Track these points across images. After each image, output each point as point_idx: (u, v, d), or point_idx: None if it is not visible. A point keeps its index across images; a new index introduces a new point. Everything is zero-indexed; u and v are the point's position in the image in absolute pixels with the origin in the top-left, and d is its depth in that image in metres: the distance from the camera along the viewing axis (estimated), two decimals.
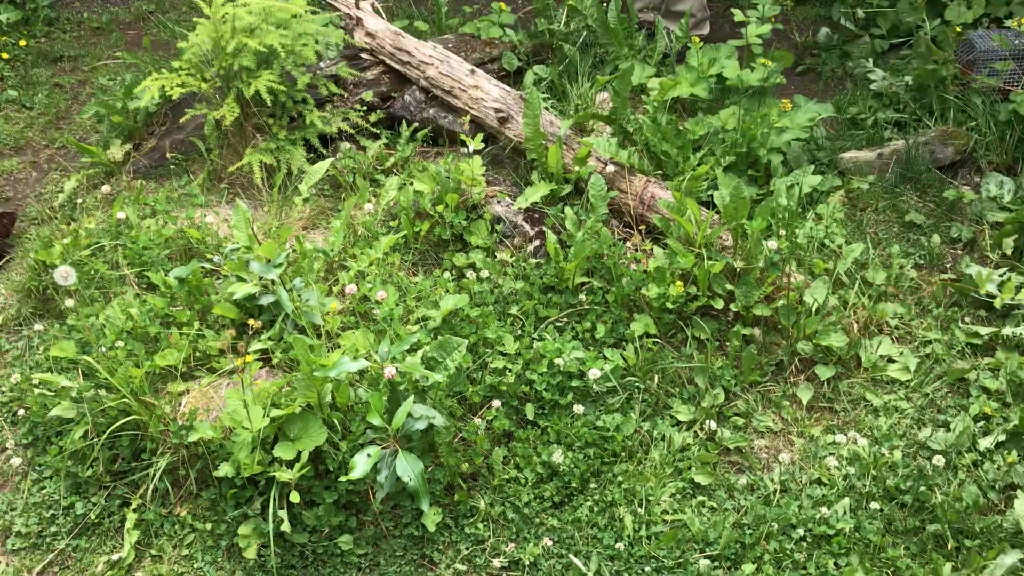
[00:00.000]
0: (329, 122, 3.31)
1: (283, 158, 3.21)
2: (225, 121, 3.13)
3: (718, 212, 2.83)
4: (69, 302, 2.65)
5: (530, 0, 4.52)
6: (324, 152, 3.33)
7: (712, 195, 2.98)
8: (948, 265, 3.04)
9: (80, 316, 2.62)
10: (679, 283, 2.62)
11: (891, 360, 2.66)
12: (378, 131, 3.44)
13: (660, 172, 3.20)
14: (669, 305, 2.64)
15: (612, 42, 3.76)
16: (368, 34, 3.56)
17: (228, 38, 3.09)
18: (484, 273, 2.76)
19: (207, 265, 2.73)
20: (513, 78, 3.87)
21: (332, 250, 2.80)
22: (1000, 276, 2.83)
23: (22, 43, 4.40)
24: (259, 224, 3.03)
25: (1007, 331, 2.64)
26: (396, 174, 3.25)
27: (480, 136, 3.12)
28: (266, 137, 3.27)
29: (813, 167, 3.31)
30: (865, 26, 4.29)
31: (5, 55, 4.29)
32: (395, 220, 3.02)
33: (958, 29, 3.75)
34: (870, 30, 4.26)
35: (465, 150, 3.12)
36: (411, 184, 3.02)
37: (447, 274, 2.81)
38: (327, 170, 3.17)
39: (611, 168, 3.05)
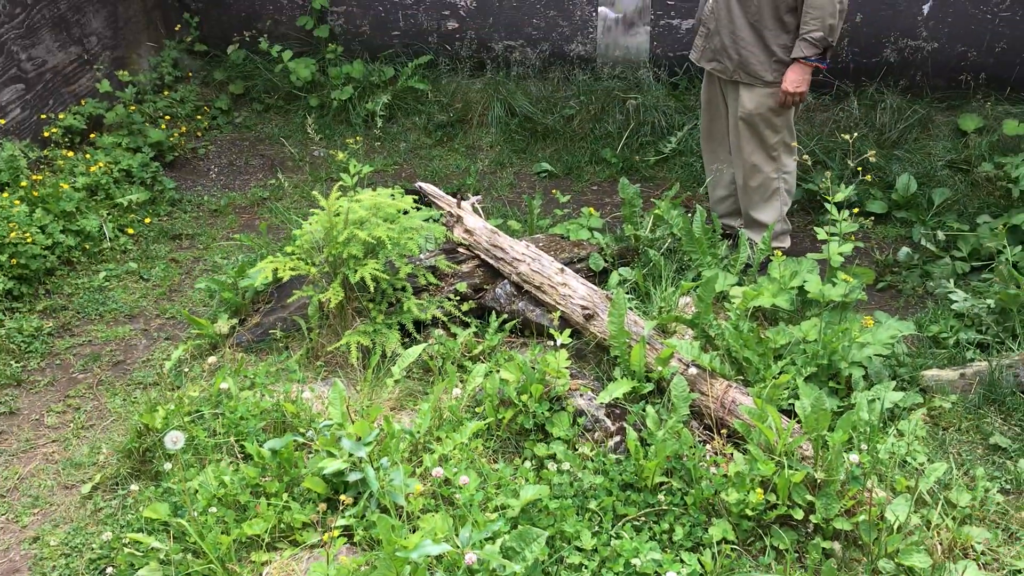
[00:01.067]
0: (424, 309, 3.50)
1: (379, 341, 3.39)
2: (330, 303, 3.34)
3: (799, 422, 2.86)
4: (167, 465, 2.78)
5: (618, 206, 4.78)
6: (418, 337, 3.50)
7: (792, 404, 3.02)
8: None
9: (177, 480, 2.74)
10: (759, 490, 2.64)
11: None
12: (469, 320, 3.61)
13: (741, 378, 3.26)
14: (748, 512, 2.64)
15: (696, 249, 3.93)
16: (466, 231, 3.80)
17: (340, 229, 3.35)
18: (565, 465, 2.81)
19: (300, 439, 2.85)
20: (598, 278, 4.05)
21: (418, 432, 2.90)
22: None
23: (147, 220, 4.80)
24: (351, 402, 3.16)
25: None
26: (483, 362, 3.39)
27: (568, 331, 3.25)
28: (365, 320, 3.46)
29: (894, 383, 3.34)
30: (946, 248, 4.41)
31: (131, 231, 4.67)
32: (480, 406, 3.12)
33: None
34: (951, 252, 4.36)
35: (552, 343, 3.25)
36: (497, 372, 3.14)
37: (527, 463, 2.87)
38: (419, 354, 3.32)
39: (693, 370, 3.13)
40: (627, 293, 3.88)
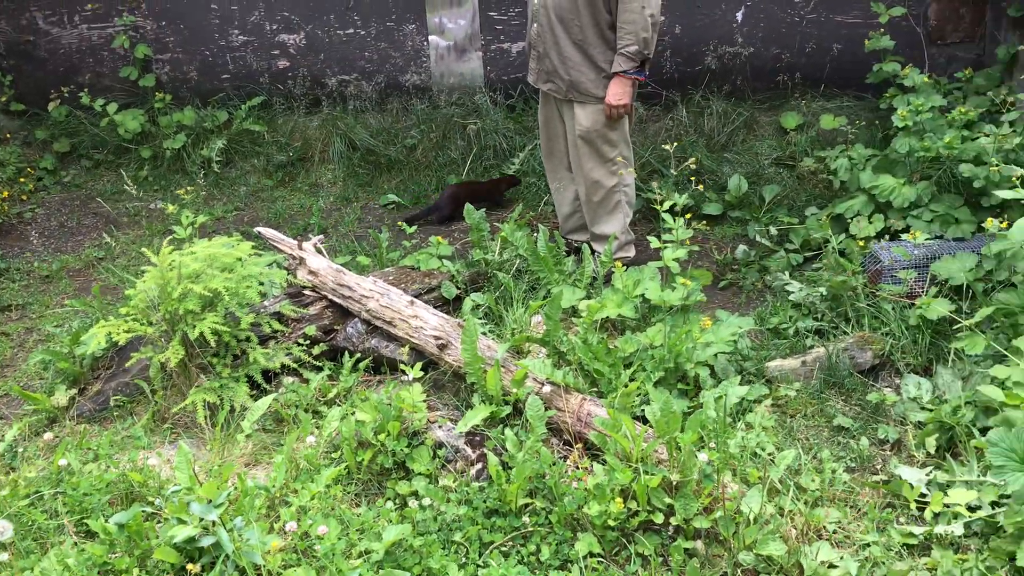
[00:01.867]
0: (272, 358, 3.41)
1: (226, 396, 3.28)
2: (170, 363, 3.21)
3: (652, 427, 2.93)
4: (4, 556, 2.59)
5: (467, 232, 4.80)
6: (268, 387, 3.41)
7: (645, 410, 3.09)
8: (879, 466, 3.14)
9: (14, 571, 2.56)
10: (619, 500, 2.67)
11: (832, 566, 2.69)
12: (321, 363, 3.54)
13: (595, 390, 3.32)
14: (611, 522, 2.67)
15: (543, 268, 3.98)
16: (310, 272, 3.73)
17: (174, 284, 3.23)
18: (427, 500, 2.78)
19: (149, 509, 2.72)
20: (452, 305, 4.05)
21: (274, 486, 2.81)
22: (927, 475, 2.93)
23: None
24: (202, 463, 3.04)
25: (939, 529, 2.71)
26: (339, 405, 3.32)
27: (420, 364, 3.23)
28: (210, 376, 3.34)
29: (740, 377, 3.47)
30: (779, 241, 4.61)
31: None
32: (337, 451, 3.05)
33: (861, 243, 4.06)
34: (784, 245, 4.57)
35: (406, 378, 3.22)
36: (353, 414, 3.09)
37: (390, 503, 2.82)
38: (269, 405, 3.23)
39: (547, 388, 3.16)
40: (481, 318, 3.89)
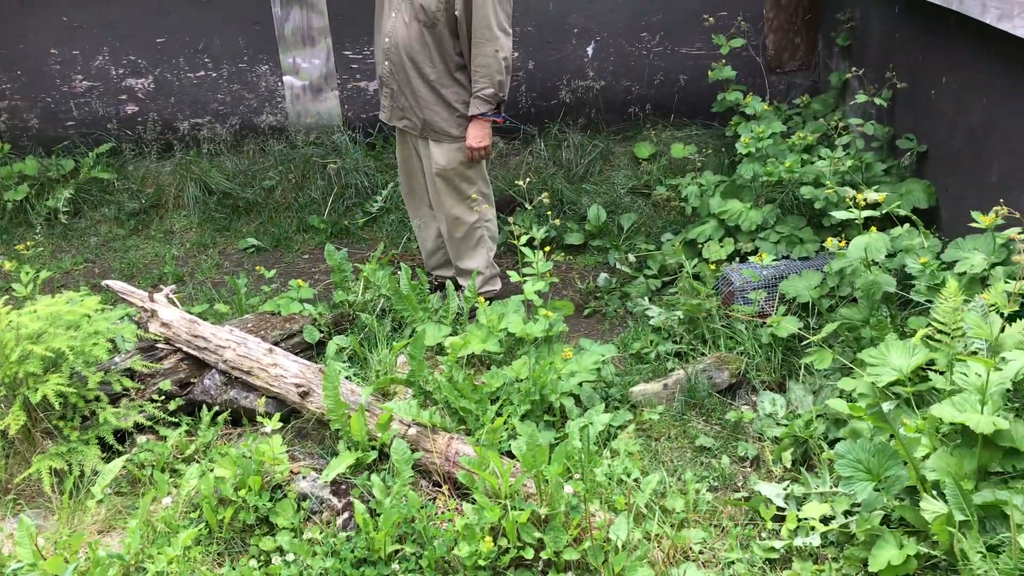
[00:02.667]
0: (124, 417, 3.25)
1: (75, 460, 3.11)
2: (11, 430, 3.03)
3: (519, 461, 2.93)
4: None
5: (328, 274, 4.72)
6: (121, 448, 3.25)
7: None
8: (740, 483, 3.23)
9: None
10: (488, 539, 2.66)
11: None
12: (178, 419, 3.40)
13: (463, 428, 3.30)
14: (481, 562, 2.65)
15: (407, 307, 3.96)
16: (163, 324, 3.60)
17: (12, 346, 3.05)
18: (291, 556, 2.70)
19: None
20: (316, 350, 3.97)
21: (128, 553, 2.68)
22: (784, 489, 3.04)
23: None
24: (49, 535, 2.87)
25: (798, 542, 2.81)
26: (198, 461, 3.20)
27: (278, 415, 3.14)
28: (57, 440, 3.16)
29: (606, 404, 3.52)
30: (639, 268, 4.73)
31: None
32: (197, 510, 2.93)
33: (712, 267, 4.20)
34: (643, 271, 4.69)
35: (267, 429, 3.13)
36: (212, 471, 2.97)
37: (253, 561, 2.72)
38: (122, 467, 3.08)
39: (413, 430, 3.13)
40: (345, 361, 3.83)
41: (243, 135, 5.98)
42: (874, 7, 4.98)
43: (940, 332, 3.06)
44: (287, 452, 3.12)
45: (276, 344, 3.74)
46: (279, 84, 5.90)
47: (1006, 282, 2.94)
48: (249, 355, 3.46)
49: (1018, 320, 2.95)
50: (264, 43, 5.81)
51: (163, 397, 3.42)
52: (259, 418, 3.21)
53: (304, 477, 3.03)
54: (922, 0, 4.10)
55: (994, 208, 3.09)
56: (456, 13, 3.84)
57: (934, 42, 4.30)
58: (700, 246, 4.51)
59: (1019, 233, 2.84)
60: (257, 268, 4.65)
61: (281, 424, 3.27)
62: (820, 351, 3.49)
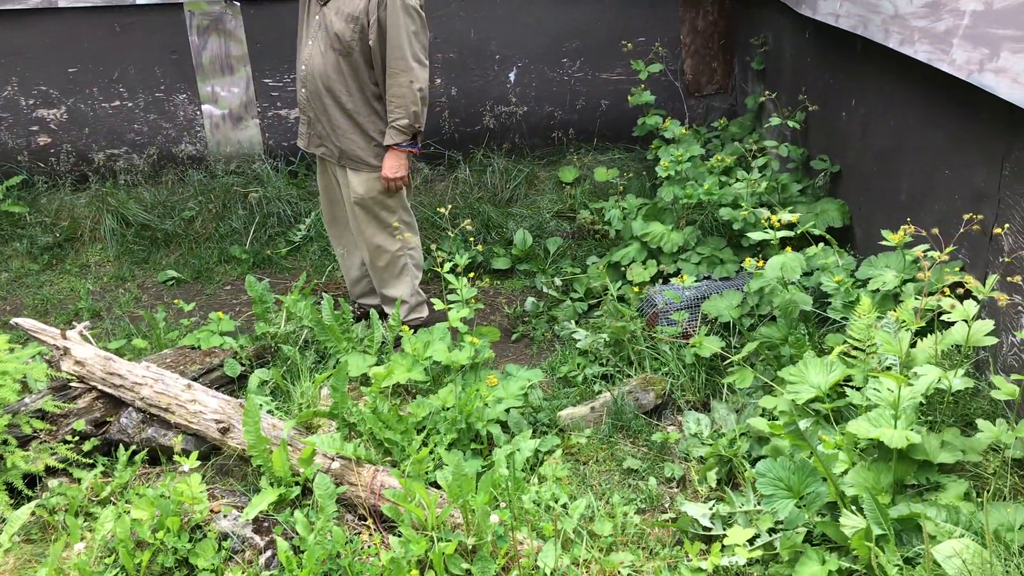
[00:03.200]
0: (34, 460, 3.13)
1: None
2: None
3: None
4: None
5: (251, 306, 4.64)
6: (31, 493, 3.12)
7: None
8: (667, 505, 3.25)
9: None
10: (415, 572, 2.62)
11: None
12: (93, 460, 3.29)
13: (389, 459, 3.26)
14: None
15: (330, 338, 3.90)
16: (76, 362, 3.48)
17: None
18: None
19: None
20: (238, 384, 3.89)
21: None
22: (710, 509, 3.06)
23: None
24: None
25: (725, 561, 2.83)
26: (115, 503, 3.09)
27: (196, 453, 3.06)
28: None
29: (533, 430, 3.51)
30: (565, 291, 4.75)
31: None
32: (112, 555, 2.83)
33: (635, 289, 4.24)
34: (570, 294, 4.71)
35: (186, 468, 3.04)
36: (128, 513, 2.87)
37: None
38: (32, 512, 2.96)
39: (337, 464, 3.08)
40: (267, 395, 3.75)
41: (161, 165, 5.86)
42: (786, 32, 5.12)
43: (856, 349, 3.13)
44: (207, 490, 3.04)
45: (196, 379, 3.65)
46: (198, 113, 5.80)
47: (916, 298, 3.03)
48: (167, 392, 3.37)
49: (930, 335, 3.04)
50: (181, 72, 5.72)
51: (77, 438, 3.30)
52: (177, 456, 3.12)
53: (225, 516, 2.95)
54: (830, 25, 4.22)
55: (902, 226, 3.18)
56: (370, 43, 3.83)
57: (843, 66, 4.43)
58: (624, 268, 4.55)
59: (925, 251, 2.92)
60: (175, 301, 4.55)
61: (201, 462, 3.19)
62: (742, 370, 3.53)
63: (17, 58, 5.58)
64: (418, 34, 3.85)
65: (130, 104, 5.75)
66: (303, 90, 4.06)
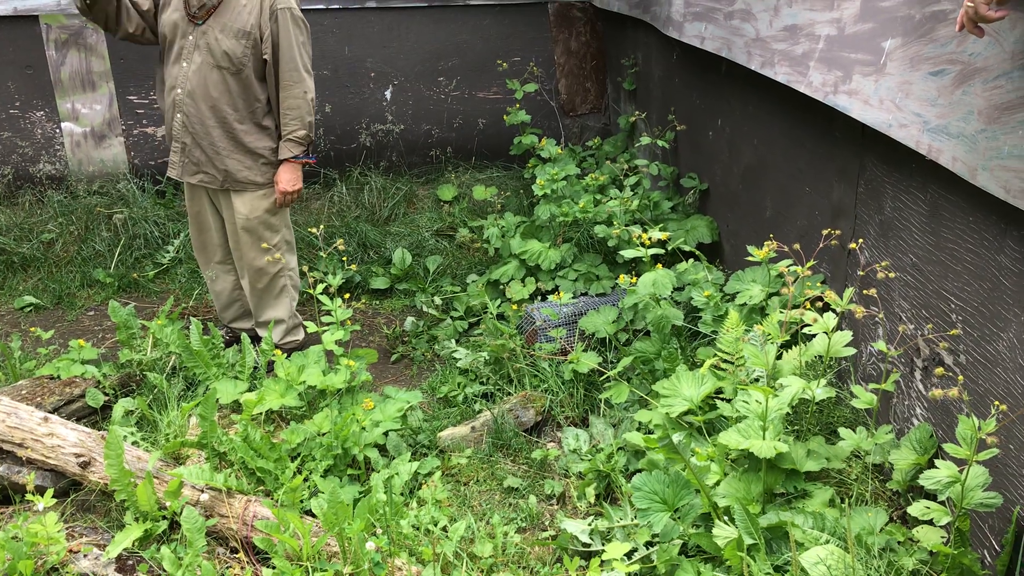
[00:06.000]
0: None
1: None
2: None
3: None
4: None
5: (114, 332, 4.43)
6: None
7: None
8: (547, 522, 3.25)
9: None
10: None
11: None
12: None
13: (262, 489, 3.15)
14: None
15: (199, 364, 3.76)
16: None
17: None
18: None
19: None
20: (102, 414, 3.70)
21: None
22: (589, 524, 3.08)
23: None
24: None
25: None
26: None
27: (50, 492, 2.89)
28: None
29: (413, 452, 3.47)
30: (445, 310, 4.73)
31: None
32: None
33: (514, 307, 4.25)
34: (450, 313, 4.69)
35: (40, 507, 2.87)
36: None
37: None
38: None
39: (207, 495, 2.96)
40: (133, 426, 3.59)
41: (18, 185, 5.56)
42: (654, 53, 5.26)
43: (725, 361, 3.21)
44: (66, 530, 2.87)
45: (55, 411, 3.46)
46: (57, 131, 5.54)
47: (781, 312, 3.13)
48: (21, 425, 3.17)
49: (794, 347, 3.15)
50: (38, 88, 5.45)
51: None
52: (30, 496, 2.93)
53: (85, 556, 2.79)
54: (695, 48, 4.35)
55: (766, 242, 3.29)
56: (265, 57, 3.75)
57: (709, 87, 4.58)
58: (503, 286, 4.56)
59: (788, 266, 3.03)
60: (32, 329, 4.30)
61: (59, 499, 3.02)
62: (618, 385, 3.58)
63: None
64: (306, 44, 3.84)
65: None
66: (178, 115, 3.89)
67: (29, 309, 4.92)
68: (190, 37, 3.80)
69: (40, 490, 3.02)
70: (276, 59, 3.78)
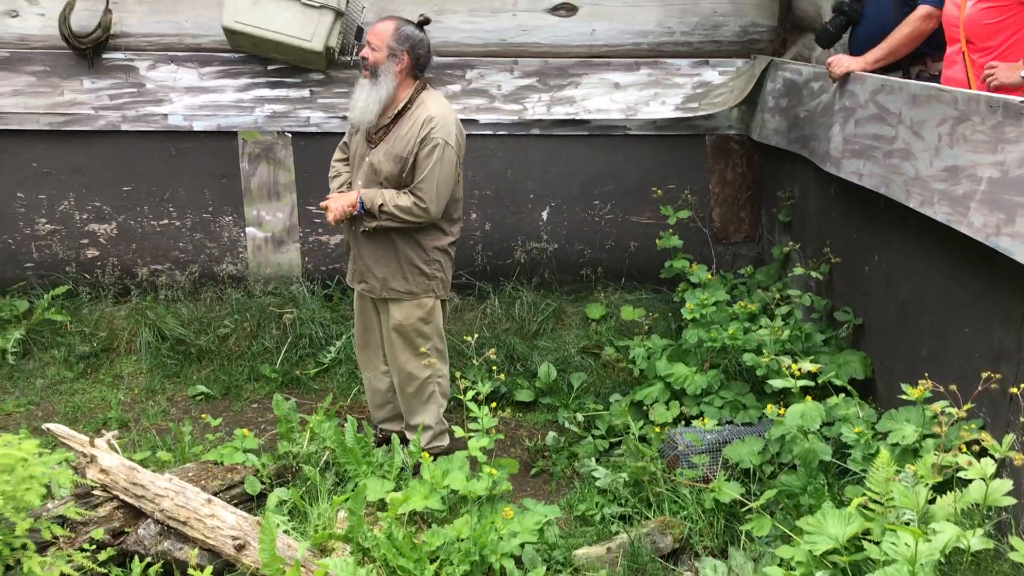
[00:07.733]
0: (50, 567, 3.15)
1: None
2: None
3: None
4: None
5: (275, 424, 4.70)
6: None
7: None
8: None
9: None
10: None
11: None
12: (107, 570, 3.30)
13: None
14: None
15: (351, 460, 3.94)
16: (102, 470, 3.54)
17: None
18: None
19: None
20: (257, 501, 3.91)
21: None
22: None
23: None
24: None
25: None
26: None
27: (210, 568, 3.07)
28: None
29: (547, 567, 3.48)
30: (587, 427, 4.77)
31: None
32: None
33: (657, 429, 4.26)
34: (591, 431, 4.73)
35: None
36: None
37: None
38: None
39: None
40: (285, 515, 3.77)
41: (202, 283, 6.05)
42: (811, 186, 5.29)
43: (874, 501, 3.12)
44: None
45: (216, 494, 3.68)
46: (242, 235, 6.03)
47: (935, 454, 3.03)
48: (187, 505, 3.40)
49: (949, 492, 3.03)
50: (229, 195, 5.98)
51: (94, 547, 3.33)
52: (191, 571, 3.13)
53: None
54: (854, 183, 4.37)
55: (920, 382, 3.22)
56: (404, 175, 4.05)
57: (866, 221, 4.56)
58: (647, 408, 4.58)
59: (943, 408, 2.95)
60: (202, 416, 4.63)
61: None
62: (760, 517, 3.52)
63: (77, 176, 5.88)
64: (446, 172, 4.02)
65: (178, 223, 6.00)
66: (352, 227, 4.23)
67: (200, 397, 5.28)
68: (367, 158, 4.15)
69: (199, 567, 3.22)
70: (412, 174, 4.04)
